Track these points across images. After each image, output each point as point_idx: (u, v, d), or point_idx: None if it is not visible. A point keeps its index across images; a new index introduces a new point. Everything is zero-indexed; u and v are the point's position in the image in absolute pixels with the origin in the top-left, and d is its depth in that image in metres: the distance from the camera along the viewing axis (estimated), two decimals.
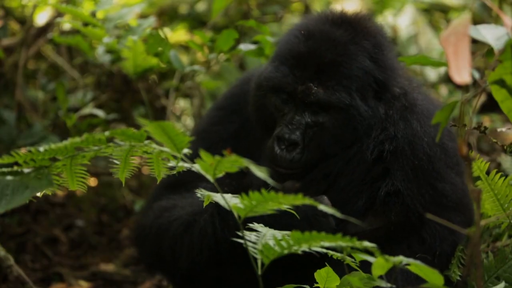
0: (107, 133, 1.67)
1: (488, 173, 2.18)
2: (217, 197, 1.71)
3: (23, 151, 1.71)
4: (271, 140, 2.21)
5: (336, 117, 2.18)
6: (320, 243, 1.67)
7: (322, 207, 1.61)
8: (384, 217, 2.14)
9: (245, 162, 1.57)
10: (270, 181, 1.60)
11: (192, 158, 2.37)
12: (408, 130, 2.17)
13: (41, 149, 1.67)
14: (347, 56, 2.18)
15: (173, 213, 2.30)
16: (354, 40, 2.20)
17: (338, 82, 2.16)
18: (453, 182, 2.19)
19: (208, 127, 2.50)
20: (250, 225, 1.78)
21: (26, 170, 1.72)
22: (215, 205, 2.07)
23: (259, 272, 1.70)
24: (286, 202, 1.63)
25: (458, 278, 2.12)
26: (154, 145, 1.71)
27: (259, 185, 2.04)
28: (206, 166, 1.64)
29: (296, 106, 2.20)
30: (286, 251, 1.69)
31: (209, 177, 1.67)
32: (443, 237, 2.15)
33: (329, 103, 2.17)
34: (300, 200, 1.59)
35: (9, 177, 1.69)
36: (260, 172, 1.54)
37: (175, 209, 2.31)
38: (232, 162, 1.61)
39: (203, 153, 1.62)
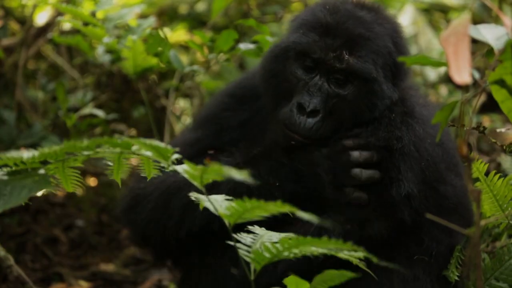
0: (86, 142, 1.66)
1: (487, 173, 2.18)
2: (207, 203, 1.72)
3: (22, 150, 1.71)
4: (290, 106, 2.18)
5: (360, 89, 2.17)
6: (310, 248, 1.67)
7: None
8: (393, 218, 2.12)
9: (226, 170, 1.57)
10: (250, 181, 1.61)
11: (205, 141, 2.38)
12: (411, 133, 2.17)
13: (30, 154, 1.66)
14: (374, 33, 2.20)
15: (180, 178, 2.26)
16: (377, 21, 2.22)
17: (367, 54, 2.17)
18: (453, 184, 2.20)
19: (219, 112, 2.48)
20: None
21: (24, 171, 1.72)
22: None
23: (252, 277, 1.70)
24: (272, 210, 1.64)
25: (457, 278, 2.12)
26: (142, 151, 1.72)
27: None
28: (193, 174, 1.66)
29: (321, 74, 2.19)
30: (276, 258, 1.69)
31: (198, 185, 1.68)
32: (441, 239, 2.16)
33: (359, 72, 2.16)
34: (288, 208, 1.59)
35: (7, 177, 1.69)
36: (239, 175, 1.54)
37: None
38: (216, 171, 1.61)
39: (187, 163, 1.63)
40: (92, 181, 3.96)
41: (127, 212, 2.40)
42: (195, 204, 2.12)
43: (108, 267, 3.46)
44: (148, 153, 1.71)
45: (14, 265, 2.67)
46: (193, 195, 1.81)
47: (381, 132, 2.15)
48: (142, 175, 2.40)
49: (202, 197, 1.73)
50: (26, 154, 1.67)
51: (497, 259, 2.15)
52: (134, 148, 1.72)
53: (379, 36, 2.20)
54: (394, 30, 2.27)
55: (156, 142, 1.65)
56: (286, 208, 1.59)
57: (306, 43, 2.19)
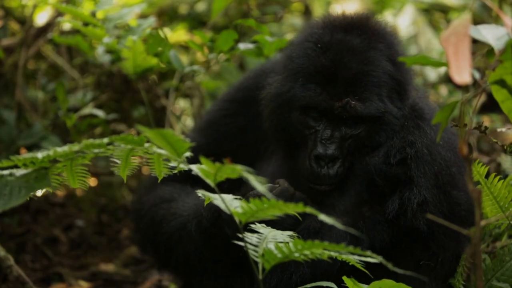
0: (105, 140, 1.67)
1: (487, 175, 2.18)
2: (217, 200, 1.71)
3: (22, 152, 1.71)
4: (308, 160, 2.16)
5: (372, 125, 2.17)
6: (321, 250, 1.67)
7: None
8: (411, 227, 2.11)
9: (244, 172, 1.57)
10: (269, 195, 1.63)
11: (205, 148, 2.36)
12: (424, 136, 2.16)
13: (39, 155, 1.67)
14: (371, 63, 2.16)
15: (171, 207, 2.31)
16: (370, 45, 2.18)
17: (370, 92, 2.14)
18: (465, 190, 2.17)
19: (219, 119, 2.48)
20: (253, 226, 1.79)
21: (25, 171, 1.72)
22: (208, 209, 2.10)
23: (260, 276, 1.70)
24: (287, 210, 1.64)
25: (462, 286, 2.12)
26: (154, 149, 1.71)
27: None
28: (207, 172, 1.64)
29: (330, 122, 2.17)
30: (287, 258, 1.69)
31: (210, 183, 1.67)
32: (448, 246, 2.14)
33: (368, 115, 2.14)
34: (301, 208, 1.59)
35: (7, 177, 1.69)
36: (257, 183, 1.55)
37: (174, 202, 2.32)
38: (232, 170, 1.60)
39: (204, 160, 1.61)
40: (92, 181, 3.96)
41: (133, 222, 2.53)
42: (176, 241, 2.24)
43: (108, 267, 3.46)
44: (160, 151, 1.70)
45: (14, 265, 2.67)
46: (200, 193, 1.82)
47: (394, 149, 2.15)
48: (145, 185, 2.50)
49: (213, 195, 1.73)
50: (40, 154, 1.67)
51: (498, 260, 2.15)
52: (147, 145, 1.71)
53: (377, 64, 2.16)
54: (388, 46, 2.22)
55: (171, 132, 1.62)
56: (303, 209, 1.59)
57: (309, 96, 2.15)
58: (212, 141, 2.47)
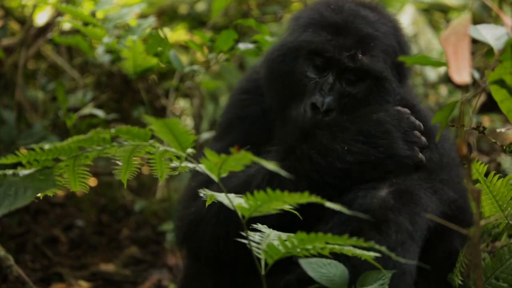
0: (112, 131, 1.67)
1: (487, 174, 2.18)
2: (221, 197, 1.71)
3: (22, 150, 1.70)
4: (303, 107, 2.15)
5: (371, 87, 2.17)
6: (324, 244, 1.67)
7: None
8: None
9: (254, 157, 1.55)
10: (282, 172, 1.60)
11: (236, 144, 2.33)
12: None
13: (46, 147, 1.66)
14: (381, 32, 2.19)
15: None
16: (381, 21, 2.22)
17: (378, 52, 2.17)
18: (457, 186, 2.18)
19: (241, 110, 2.45)
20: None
21: (28, 171, 1.72)
22: None
23: (263, 272, 1.70)
24: (291, 201, 1.63)
25: (460, 282, 2.12)
26: (158, 145, 1.70)
27: None
28: (210, 165, 1.63)
29: (333, 73, 2.18)
30: (290, 253, 1.69)
31: (214, 177, 1.66)
32: (436, 244, 2.13)
33: (372, 71, 2.15)
34: (306, 198, 1.59)
35: (12, 178, 1.69)
36: (270, 165, 1.54)
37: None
38: (239, 160, 1.58)
39: (208, 152, 1.60)
40: (92, 181, 3.96)
41: (189, 238, 2.29)
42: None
43: (108, 267, 3.46)
44: (163, 147, 1.69)
45: (14, 265, 2.67)
46: (203, 192, 1.80)
47: None
48: (187, 198, 2.33)
49: (216, 193, 1.72)
50: (47, 146, 1.66)
51: (498, 259, 2.15)
52: (151, 141, 1.70)
53: (386, 36, 2.20)
54: (396, 29, 2.27)
55: (177, 122, 1.61)
56: (308, 199, 1.58)
57: (319, 42, 2.17)
58: (241, 134, 2.41)
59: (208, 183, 2.10)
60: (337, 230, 1.95)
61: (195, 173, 2.32)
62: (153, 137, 1.70)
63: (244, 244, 1.91)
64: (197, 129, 3.53)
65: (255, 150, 2.26)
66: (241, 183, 2.12)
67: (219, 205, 2.12)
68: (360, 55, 2.14)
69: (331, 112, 2.14)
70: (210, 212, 2.18)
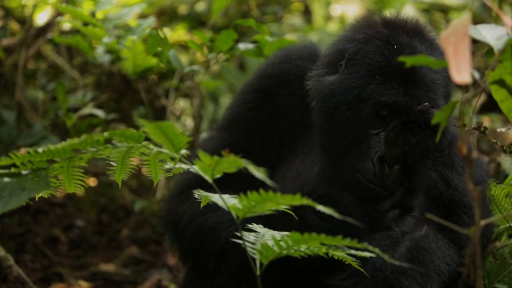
0: (105, 134, 1.67)
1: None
2: (215, 198, 1.71)
3: (22, 151, 1.70)
4: (369, 160, 2.09)
5: (431, 133, 2.12)
6: (318, 244, 1.67)
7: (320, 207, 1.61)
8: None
9: (244, 163, 1.56)
10: (268, 181, 1.59)
11: (233, 147, 2.21)
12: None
13: (40, 150, 1.67)
14: (438, 73, 2.12)
15: (218, 216, 2.20)
16: (432, 54, 2.15)
17: (440, 101, 2.11)
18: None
19: (246, 113, 2.38)
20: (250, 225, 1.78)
21: (23, 172, 1.72)
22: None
23: (258, 272, 1.70)
24: (284, 202, 1.63)
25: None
26: (151, 146, 1.70)
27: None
28: (204, 166, 1.63)
29: (399, 123, 2.11)
30: (285, 252, 1.69)
31: (208, 178, 1.66)
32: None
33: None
34: (299, 200, 1.59)
35: (6, 179, 1.69)
36: (258, 173, 1.53)
37: (220, 211, 2.16)
38: (231, 163, 1.59)
39: (201, 153, 1.60)
40: (92, 181, 3.96)
41: (168, 234, 2.38)
42: (231, 249, 2.10)
43: (108, 267, 3.46)
44: (158, 149, 1.69)
45: (14, 265, 2.67)
46: (197, 193, 1.80)
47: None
48: (174, 191, 2.35)
49: (211, 195, 1.72)
50: (40, 149, 1.67)
51: (500, 263, 2.16)
52: (144, 143, 1.70)
53: (440, 73, 2.13)
54: (441, 54, 2.17)
55: (170, 125, 1.60)
56: (303, 201, 1.58)
57: (392, 95, 2.08)
58: (240, 138, 2.36)
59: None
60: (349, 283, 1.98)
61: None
62: (149, 139, 1.70)
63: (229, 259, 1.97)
64: (197, 129, 3.53)
65: (248, 159, 2.26)
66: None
67: (197, 227, 2.19)
68: (430, 108, 2.07)
69: (397, 164, 2.10)
70: (187, 229, 2.23)
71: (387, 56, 2.11)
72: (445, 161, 2.17)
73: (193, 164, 1.66)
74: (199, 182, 2.00)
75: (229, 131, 2.40)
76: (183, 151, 1.66)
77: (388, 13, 2.28)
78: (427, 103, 2.07)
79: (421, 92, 2.08)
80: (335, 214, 1.62)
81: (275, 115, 2.36)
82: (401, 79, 2.08)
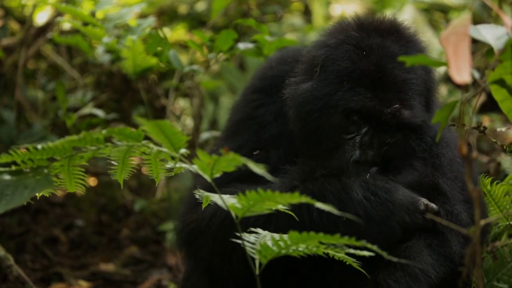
0: (104, 132, 1.67)
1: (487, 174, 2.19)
2: (215, 197, 1.71)
3: (22, 150, 1.71)
4: (345, 163, 2.11)
5: (409, 133, 2.14)
6: (317, 243, 1.67)
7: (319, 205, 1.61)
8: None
9: (243, 160, 1.56)
10: (269, 177, 1.59)
11: (249, 145, 2.27)
12: (448, 152, 2.19)
13: (39, 147, 1.67)
14: (413, 71, 2.13)
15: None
16: (407, 52, 2.15)
17: (414, 100, 2.12)
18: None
19: (252, 110, 2.38)
20: None
21: (25, 170, 1.72)
22: None
23: (257, 271, 1.70)
24: (283, 201, 1.63)
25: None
26: (151, 145, 1.70)
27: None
28: (203, 165, 1.63)
29: (372, 128, 2.13)
30: (283, 251, 1.69)
31: (207, 177, 1.65)
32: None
33: (413, 123, 2.12)
34: (297, 198, 1.59)
35: (8, 177, 1.69)
36: (258, 170, 1.53)
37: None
38: (230, 161, 1.59)
39: (200, 152, 1.60)
40: (92, 181, 3.96)
41: (188, 246, 2.29)
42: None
43: (108, 267, 3.46)
44: (158, 148, 1.69)
45: (14, 265, 2.67)
46: (198, 193, 1.79)
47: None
48: (191, 202, 2.25)
49: (209, 193, 1.72)
50: (40, 146, 1.66)
51: (499, 261, 2.16)
52: (144, 142, 1.70)
53: (416, 72, 2.14)
54: (419, 50, 2.20)
55: (169, 124, 1.60)
56: (301, 199, 1.58)
57: (359, 101, 2.10)
58: (252, 135, 2.35)
59: (239, 177, 2.08)
60: None
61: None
62: (147, 137, 1.70)
63: (242, 260, 1.94)
64: (197, 129, 3.53)
65: (265, 154, 2.24)
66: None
67: (218, 224, 2.15)
68: (401, 110, 2.09)
69: (374, 166, 2.11)
70: (210, 228, 2.17)
71: (355, 60, 2.12)
72: (433, 161, 2.17)
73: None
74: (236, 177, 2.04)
75: (239, 133, 2.39)
76: (183, 150, 1.66)
77: (368, 14, 2.28)
78: (397, 105, 2.09)
79: (390, 95, 2.09)
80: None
81: (280, 112, 2.36)
82: (369, 83, 2.10)
